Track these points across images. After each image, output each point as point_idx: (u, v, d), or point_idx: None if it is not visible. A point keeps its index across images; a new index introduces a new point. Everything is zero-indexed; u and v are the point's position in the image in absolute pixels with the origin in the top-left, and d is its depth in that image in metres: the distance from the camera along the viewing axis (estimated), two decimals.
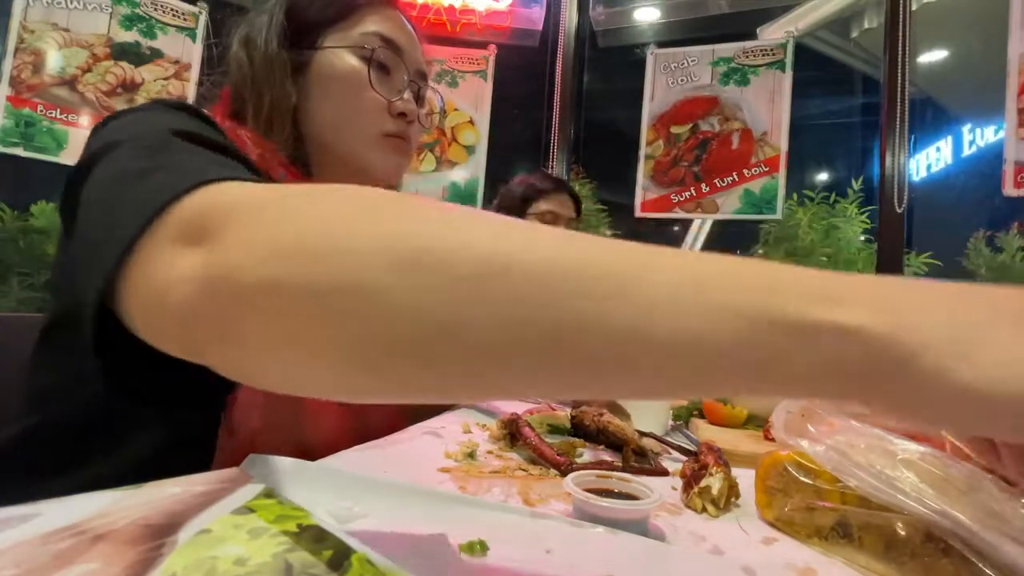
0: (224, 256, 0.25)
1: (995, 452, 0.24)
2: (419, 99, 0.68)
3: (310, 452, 0.55)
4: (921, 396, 0.20)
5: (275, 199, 0.26)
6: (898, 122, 2.01)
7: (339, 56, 0.61)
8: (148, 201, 0.29)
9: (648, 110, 2.42)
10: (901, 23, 2.04)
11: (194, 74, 2.28)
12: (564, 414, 0.72)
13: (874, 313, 0.20)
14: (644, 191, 2.38)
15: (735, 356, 0.21)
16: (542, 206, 1.48)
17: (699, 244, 4.24)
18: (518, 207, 1.48)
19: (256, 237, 0.24)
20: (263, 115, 0.60)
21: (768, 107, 2.24)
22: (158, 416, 0.49)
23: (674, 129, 2.38)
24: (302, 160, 0.62)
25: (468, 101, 2.56)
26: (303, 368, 0.24)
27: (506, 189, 1.56)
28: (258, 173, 0.40)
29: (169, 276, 0.26)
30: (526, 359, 0.22)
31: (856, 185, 3.71)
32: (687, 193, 2.31)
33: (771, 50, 2.27)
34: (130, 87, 2.16)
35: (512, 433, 0.58)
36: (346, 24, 0.63)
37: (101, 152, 0.37)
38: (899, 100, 2.01)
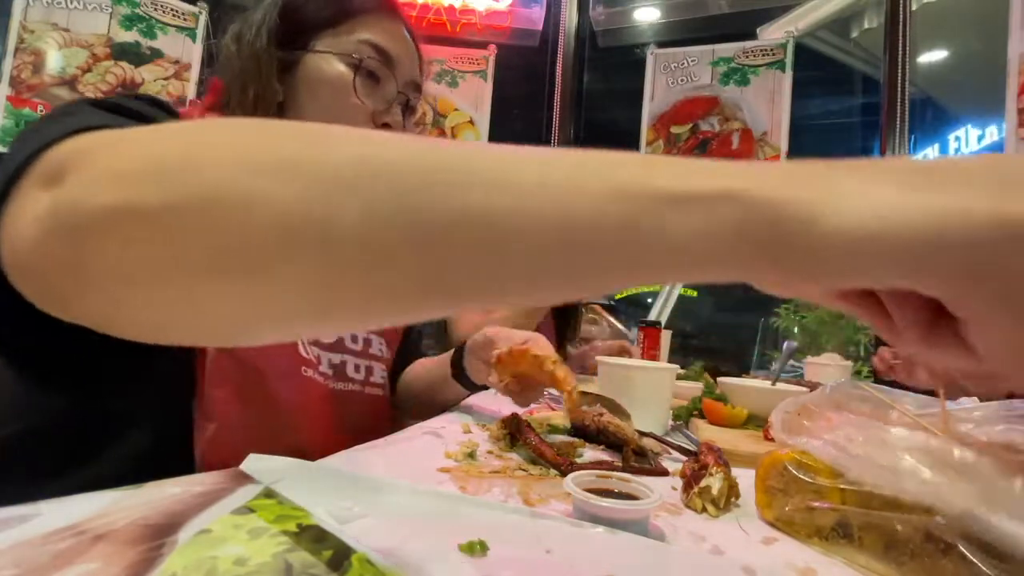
0: (69, 189, 0.23)
1: (883, 314, 0.23)
2: (410, 109, 0.68)
3: (292, 437, 0.55)
4: (800, 250, 0.20)
5: (135, 133, 0.25)
6: (898, 122, 2.01)
7: (328, 61, 0.61)
8: (21, 153, 0.27)
9: (648, 110, 2.42)
10: (901, 23, 2.04)
11: (194, 74, 2.28)
12: (564, 414, 0.72)
13: (747, 179, 0.21)
14: None
15: (617, 233, 0.21)
16: None
17: None
18: None
19: (105, 165, 0.23)
20: (247, 110, 0.60)
21: (768, 107, 2.24)
22: (133, 418, 0.49)
23: (674, 129, 2.38)
24: None
25: (468, 101, 2.56)
26: (166, 299, 0.23)
27: None
28: None
29: (23, 220, 0.25)
30: (410, 255, 0.21)
31: None
32: None
33: (771, 50, 2.27)
34: (130, 87, 2.16)
35: (512, 433, 0.58)
36: (340, 29, 0.62)
37: (28, 126, 0.36)
38: (899, 100, 2.01)
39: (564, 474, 0.47)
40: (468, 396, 0.82)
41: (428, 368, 0.82)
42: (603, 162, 0.22)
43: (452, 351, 0.77)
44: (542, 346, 0.64)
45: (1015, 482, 0.30)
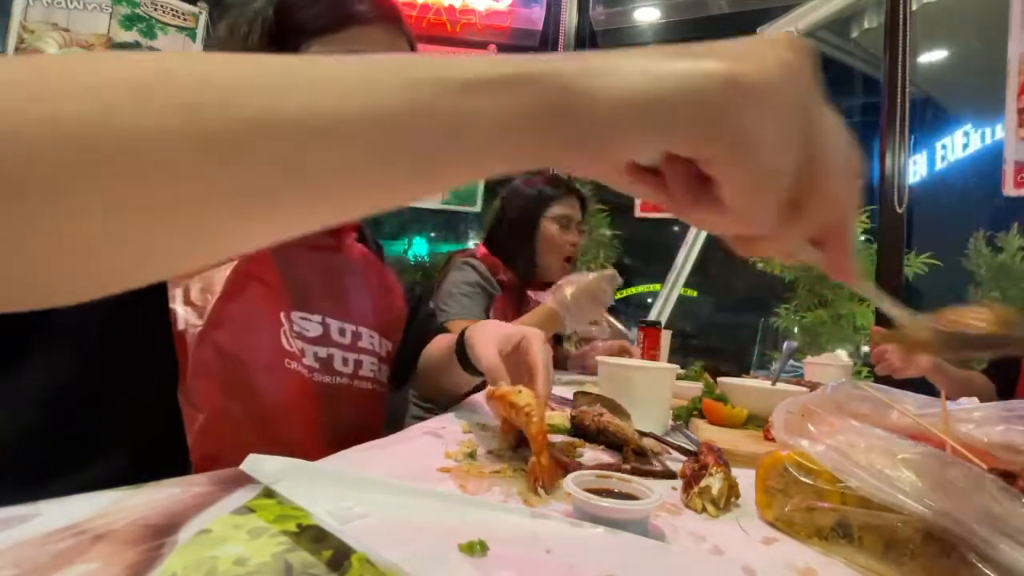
0: None
1: (664, 188, 0.25)
2: None
3: (278, 429, 0.55)
4: (582, 122, 0.22)
5: None
6: (898, 122, 2.01)
7: None
8: None
9: None
10: (901, 23, 2.04)
11: None
12: (564, 414, 0.72)
13: (532, 64, 0.23)
14: None
15: (419, 120, 0.22)
16: (556, 210, 1.48)
17: (699, 244, 4.24)
18: (533, 209, 1.48)
19: None
20: None
21: None
22: (124, 413, 0.49)
23: None
24: None
25: None
26: None
27: (513, 190, 1.54)
28: None
29: None
30: (214, 165, 0.21)
31: None
32: None
33: None
34: None
35: (514, 447, 0.57)
36: (337, 37, 0.61)
37: None
38: (899, 100, 2.01)
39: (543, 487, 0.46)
40: (478, 383, 0.82)
41: (440, 348, 0.82)
42: (401, 61, 0.23)
43: (457, 335, 0.76)
44: (525, 393, 0.58)
45: (1017, 504, 0.30)
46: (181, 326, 0.49)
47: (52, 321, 0.49)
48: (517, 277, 1.48)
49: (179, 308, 0.49)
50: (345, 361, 0.66)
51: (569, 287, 1.21)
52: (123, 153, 0.20)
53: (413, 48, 0.68)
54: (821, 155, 0.23)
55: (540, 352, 0.67)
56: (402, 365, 0.81)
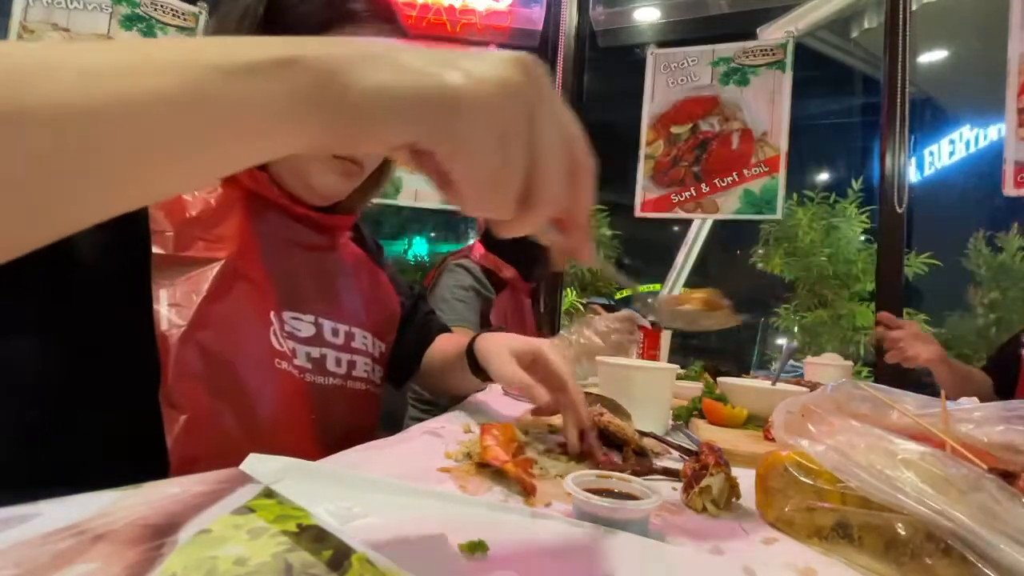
0: None
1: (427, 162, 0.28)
2: None
3: (266, 429, 0.54)
4: (342, 108, 0.25)
5: None
6: (898, 122, 2.01)
7: None
8: None
9: (648, 110, 2.42)
10: (901, 23, 2.04)
11: None
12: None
13: (295, 47, 0.24)
14: (644, 191, 2.38)
15: (185, 106, 0.23)
16: None
17: (699, 244, 4.24)
18: None
19: None
20: None
21: (768, 107, 2.24)
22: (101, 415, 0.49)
23: (674, 129, 2.37)
24: None
25: None
26: None
27: None
28: None
29: None
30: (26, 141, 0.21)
31: (856, 185, 3.71)
32: (687, 193, 2.31)
33: (771, 50, 2.27)
34: None
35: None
36: (329, 36, 0.60)
37: None
38: (899, 100, 2.01)
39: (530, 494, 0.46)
40: (484, 387, 0.81)
41: (446, 350, 0.82)
42: (170, 44, 0.25)
43: (470, 339, 0.75)
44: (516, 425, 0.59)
45: (1017, 504, 0.30)
46: (164, 327, 0.48)
47: (33, 318, 0.48)
48: (519, 274, 1.47)
49: (162, 309, 0.49)
50: (338, 362, 0.65)
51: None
52: None
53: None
54: (541, 159, 0.27)
55: (561, 361, 0.67)
56: (402, 363, 0.81)
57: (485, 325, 1.39)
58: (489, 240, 1.49)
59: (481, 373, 0.72)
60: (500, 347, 0.69)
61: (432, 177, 0.29)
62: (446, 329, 0.90)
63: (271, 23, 0.60)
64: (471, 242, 1.59)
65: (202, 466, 0.37)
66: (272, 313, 0.58)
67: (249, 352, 0.55)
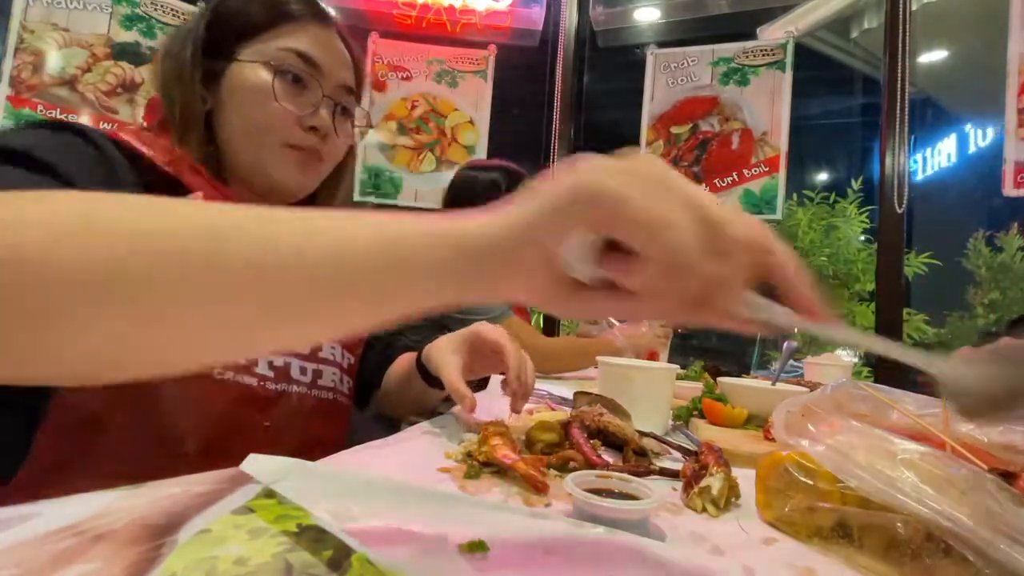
0: None
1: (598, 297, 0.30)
2: (344, 114, 0.70)
3: (198, 437, 0.53)
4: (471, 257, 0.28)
5: None
6: (898, 122, 2.01)
7: (251, 68, 0.63)
8: None
9: (648, 110, 2.42)
10: (901, 23, 2.04)
11: None
12: (564, 414, 0.72)
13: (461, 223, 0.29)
14: None
15: (373, 267, 0.28)
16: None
17: None
18: (504, 198, 1.42)
19: None
20: (176, 121, 0.62)
21: (768, 107, 2.24)
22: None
23: (674, 129, 2.38)
24: (216, 166, 0.64)
25: (468, 101, 2.56)
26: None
27: (466, 183, 1.46)
28: (155, 180, 0.52)
29: None
30: (238, 294, 0.27)
31: (856, 185, 3.72)
32: None
33: (771, 50, 2.27)
34: (130, 87, 2.16)
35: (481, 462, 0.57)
36: (265, 38, 0.64)
37: None
38: (899, 100, 2.01)
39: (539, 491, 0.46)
40: (443, 397, 0.79)
41: (402, 365, 0.82)
42: (372, 219, 0.29)
43: (417, 353, 0.76)
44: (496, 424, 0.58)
45: (1016, 504, 0.30)
46: None
47: None
48: None
49: None
50: (303, 370, 0.65)
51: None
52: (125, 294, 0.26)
53: (346, 43, 0.70)
54: (714, 216, 0.27)
55: (496, 334, 0.69)
56: (365, 381, 0.81)
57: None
58: None
59: (437, 383, 0.72)
60: (442, 351, 0.70)
61: (624, 285, 0.29)
62: (408, 349, 0.88)
63: (214, 38, 0.64)
64: None
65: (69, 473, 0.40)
66: None
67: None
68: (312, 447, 0.56)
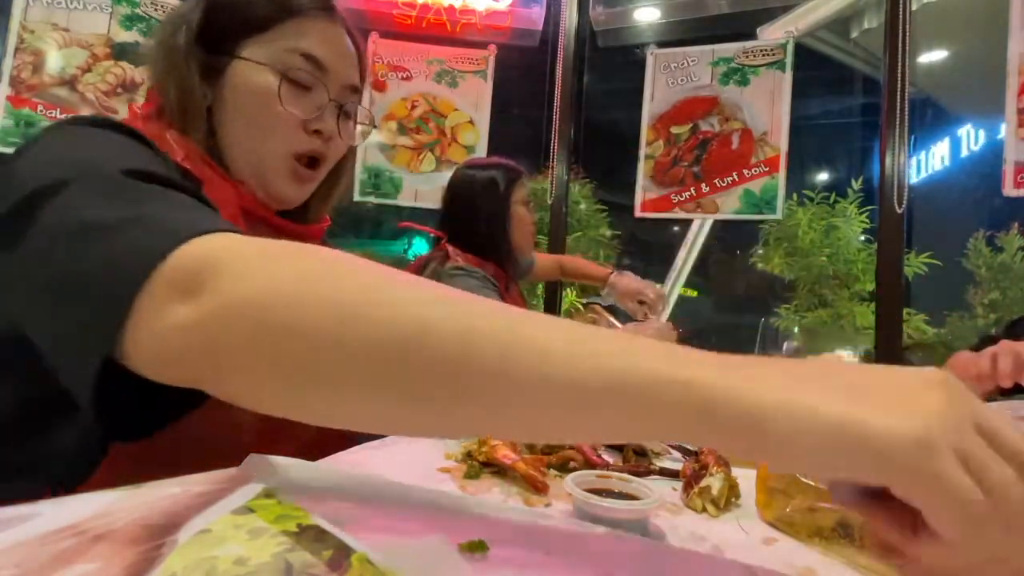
0: (214, 309, 0.30)
1: (868, 506, 0.26)
2: (346, 115, 0.67)
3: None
4: (759, 444, 0.24)
5: (253, 254, 0.32)
6: (898, 122, 2.01)
7: (254, 69, 0.60)
8: (135, 263, 0.32)
9: (648, 110, 2.42)
10: (901, 23, 2.04)
11: None
12: None
13: (707, 370, 0.25)
14: (644, 191, 2.38)
15: (599, 398, 0.26)
16: (520, 192, 1.42)
17: (699, 244, 4.24)
18: (503, 197, 1.39)
19: (240, 291, 0.30)
20: (176, 111, 0.59)
21: (768, 107, 2.24)
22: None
23: (674, 129, 2.37)
24: (220, 159, 0.61)
25: (468, 101, 2.56)
26: (280, 389, 0.31)
27: (465, 181, 1.44)
28: (192, 179, 0.49)
29: (168, 327, 0.31)
30: (470, 400, 0.29)
31: (856, 185, 3.72)
32: (687, 193, 2.31)
33: (771, 50, 2.27)
34: (130, 87, 2.16)
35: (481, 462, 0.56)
36: (269, 35, 0.60)
37: (46, 191, 0.37)
38: (899, 100, 2.01)
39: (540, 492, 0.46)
40: None
41: None
42: (617, 346, 0.28)
43: None
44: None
45: None
46: None
47: None
48: (501, 270, 1.44)
49: None
50: None
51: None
52: (415, 390, 0.29)
53: (355, 41, 0.67)
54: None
55: None
56: None
57: None
58: (463, 241, 1.42)
59: None
60: None
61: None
62: None
63: (210, 26, 0.60)
64: (431, 249, 1.53)
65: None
66: None
67: None
68: (312, 447, 0.56)
